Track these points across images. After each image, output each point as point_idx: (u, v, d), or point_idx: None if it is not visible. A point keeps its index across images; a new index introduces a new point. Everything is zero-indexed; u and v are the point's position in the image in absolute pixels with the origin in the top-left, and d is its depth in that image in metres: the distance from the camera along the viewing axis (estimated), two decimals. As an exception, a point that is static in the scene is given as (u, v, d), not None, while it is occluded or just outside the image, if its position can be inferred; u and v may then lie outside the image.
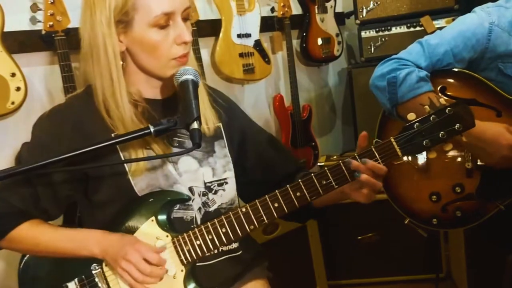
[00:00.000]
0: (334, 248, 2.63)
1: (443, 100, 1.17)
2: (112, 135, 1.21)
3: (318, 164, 2.76)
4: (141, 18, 1.16)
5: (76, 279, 1.22)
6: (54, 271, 1.26)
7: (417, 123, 1.14)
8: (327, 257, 2.61)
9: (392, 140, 1.15)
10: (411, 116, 1.16)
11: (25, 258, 1.27)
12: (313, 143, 3.15)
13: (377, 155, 1.16)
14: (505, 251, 1.67)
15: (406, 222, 1.67)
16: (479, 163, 1.56)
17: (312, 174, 1.19)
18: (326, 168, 1.18)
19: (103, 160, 1.21)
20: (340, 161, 1.18)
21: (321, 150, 3.16)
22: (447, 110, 1.13)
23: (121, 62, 1.21)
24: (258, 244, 1.46)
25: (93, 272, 1.22)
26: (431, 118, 1.14)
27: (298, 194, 1.19)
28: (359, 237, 2.58)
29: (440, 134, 1.14)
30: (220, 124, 1.36)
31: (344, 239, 2.60)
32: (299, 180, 1.19)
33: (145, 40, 1.18)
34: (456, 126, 1.14)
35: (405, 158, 1.22)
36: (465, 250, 2.21)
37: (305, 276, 2.56)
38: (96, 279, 1.22)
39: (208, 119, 1.32)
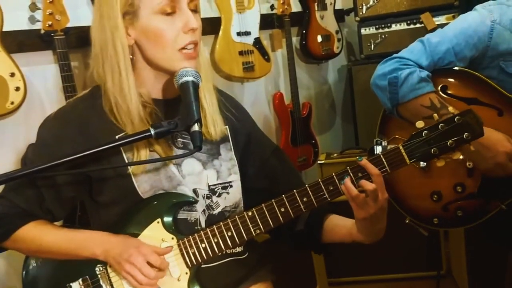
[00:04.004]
0: (334, 245, 2.62)
1: (452, 108, 1.16)
2: (116, 137, 1.20)
3: (318, 162, 2.75)
4: (146, 5, 1.17)
5: (80, 279, 1.22)
6: (58, 271, 1.25)
7: (425, 131, 1.13)
8: (327, 254, 2.61)
9: (401, 147, 1.14)
10: (419, 124, 1.14)
11: (29, 258, 1.27)
12: (313, 141, 3.15)
13: (385, 162, 1.14)
14: (506, 250, 1.67)
15: (407, 222, 1.67)
16: None
17: (320, 180, 1.18)
18: (334, 174, 1.17)
19: (106, 162, 1.21)
20: (333, 174, 1.16)
21: (321, 148, 3.16)
22: (456, 119, 1.12)
23: (130, 56, 1.20)
24: (263, 247, 1.45)
25: (97, 272, 1.22)
26: (439, 126, 1.12)
27: (304, 199, 1.18)
28: (359, 235, 2.58)
29: (449, 143, 1.12)
30: (227, 127, 1.34)
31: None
32: (306, 185, 1.18)
33: (150, 28, 1.18)
34: (464, 135, 1.12)
35: None
36: (465, 247, 2.21)
37: (305, 273, 2.56)
38: (100, 280, 1.22)
39: (216, 121, 1.30)
